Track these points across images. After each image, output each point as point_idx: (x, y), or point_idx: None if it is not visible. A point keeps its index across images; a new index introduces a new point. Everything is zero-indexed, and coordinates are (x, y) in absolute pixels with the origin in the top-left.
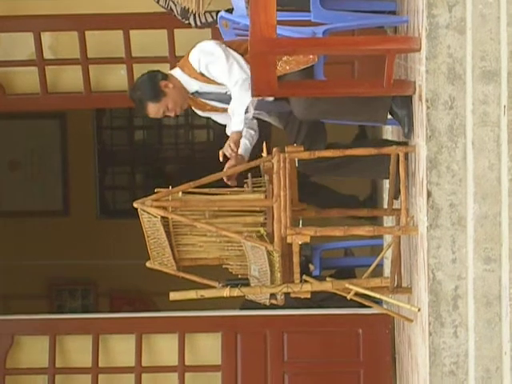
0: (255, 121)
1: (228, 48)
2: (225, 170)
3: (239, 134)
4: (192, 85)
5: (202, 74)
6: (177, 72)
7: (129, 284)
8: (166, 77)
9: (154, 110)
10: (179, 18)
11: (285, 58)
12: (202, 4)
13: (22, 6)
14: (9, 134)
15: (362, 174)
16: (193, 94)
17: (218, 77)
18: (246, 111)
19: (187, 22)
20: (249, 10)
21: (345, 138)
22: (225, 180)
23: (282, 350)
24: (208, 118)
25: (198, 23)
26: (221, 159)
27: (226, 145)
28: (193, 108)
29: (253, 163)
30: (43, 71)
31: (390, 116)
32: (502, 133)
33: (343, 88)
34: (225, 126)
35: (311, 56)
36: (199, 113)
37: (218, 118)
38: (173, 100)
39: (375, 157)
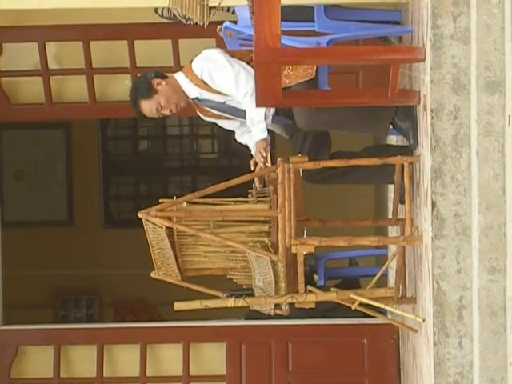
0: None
1: (231, 57)
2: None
3: (265, 142)
4: (192, 91)
5: (204, 82)
6: (179, 76)
7: (133, 294)
8: (162, 76)
9: (146, 107)
10: (184, 21)
11: (285, 72)
12: (206, 15)
13: (27, 16)
14: (14, 143)
15: (368, 181)
16: (193, 100)
17: (223, 86)
18: (265, 117)
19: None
20: (253, 20)
21: (352, 146)
22: (257, 185)
23: (287, 360)
24: (214, 125)
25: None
26: (252, 168)
27: (257, 154)
28: (199, 114)
29: (257, 173)
30: (48, 81)
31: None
32: (507, 143)
33: (348, 98)
34: (228, 135)
35: (310, 70)
36: (204, 118)
37: (222, 123)
38: (165, 97)
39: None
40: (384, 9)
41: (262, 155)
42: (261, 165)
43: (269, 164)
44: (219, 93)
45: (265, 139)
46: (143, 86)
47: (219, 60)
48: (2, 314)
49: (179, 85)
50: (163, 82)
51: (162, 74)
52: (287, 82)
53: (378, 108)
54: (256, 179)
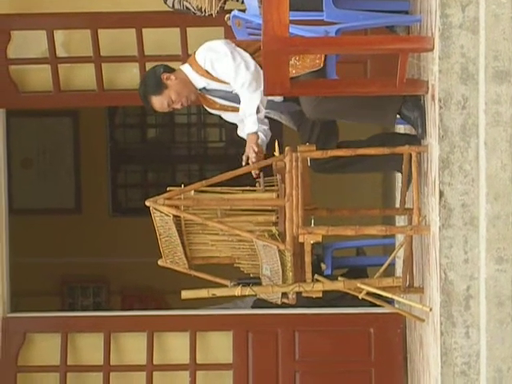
0: (266, 120)
1: (237, 47)
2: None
3: (256, 135)
4: (199, 81)
5: (208, 72)
6: (186, 68)
7: (140, 282)
8: (170, 70)
9: (157, 102)
10: (198, 13)
11: (292, 62)
12: (214, 4)
13: (35, 4)
14: (21, 131)
15: (376, 169)
16: (201, 90)
17: (224, 75)
18: (258, 111)
19: (206, 14)
20: (262, 8)
21: (359, 135)
22: (255, 176)
23: (294, 349)
24: (220, 116)
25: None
26: (244, 163)
27: (248, 148)
28: (205, 106)
29: (265, 162)
30: (56, 69)
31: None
32: None
33: (356, 87)
34: (235, 124)
35: (317, 60)
36: (210, 110)
37: (227, 116)
38: (175, 91)
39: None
40: None
41: (253, 150)
42: (253, 160)
43: (276, 153)
44: (224, 82)
45: (255, 133)
46: (153, 82)
47: (221, 50)
48: (10, 302)
49: (187, 77)
50: (172, 77)
51: (169, 67)
52: (294, 72)
53: (385, 98)
54: (253, 172)
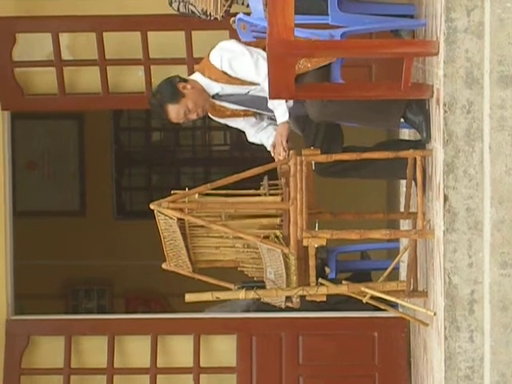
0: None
1: (247, 46)
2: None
3: (286, 125)
4: (213, 87)
5: (225, 73)
6: (197, 76)
7: (144, 285)
8: (185, 80)
9: (174, 111)
10: (204, 17)
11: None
12: (219, 7)
13: (40, 7)
14: (26, 134)
15: (380, 176)
16: (213, 97)
17: (243, 72)
18: (286, 100)
19: (212, 18)
20: (267, 12)
21: (365, 141)
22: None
23: (297, 353)
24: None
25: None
26: (273, 154)
27: (280, 137)
28: (211, 116)
29: (269, 166)
30: (61, 72)
31: (402, 120)
32: None
33: (360, 91)
34: (243, 132)
35: None
36: (218, 120)
37: (236, 123)
38: (192, 100)
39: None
40: (398, 2)
41: (286, 139)
42: (283, 153)
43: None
44: (241, 82)
45: (286, 122)
46: (169, 91)
47: (236, 49)
48: (14, 304)
49: (201, 85)
50: (188, 86)
51: (183, 77)
52: (309, 65)
53: (390, 101)
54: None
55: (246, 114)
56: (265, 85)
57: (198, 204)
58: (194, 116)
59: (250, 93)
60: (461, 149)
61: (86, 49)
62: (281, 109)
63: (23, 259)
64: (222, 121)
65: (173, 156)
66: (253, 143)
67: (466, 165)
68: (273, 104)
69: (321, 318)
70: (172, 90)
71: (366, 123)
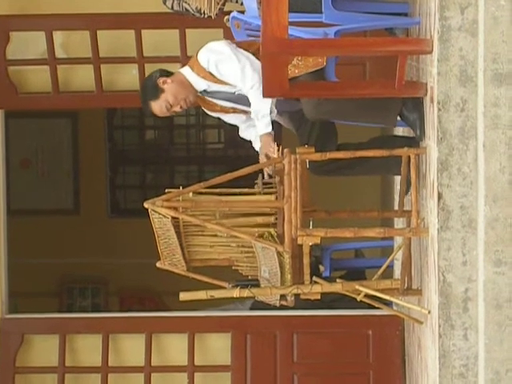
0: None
1: (238, 48)
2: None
3: (270, 135)
4: (200, 84)
5: (211, 74)
6: (186, 70)
7: (139, 283)
8: (167, 74)
9: (156, 107)
10: (197, 15)
11: (294, 62)
12: (213, 5)
13: (34, 5)
14: (20, 132)
15: (375, 172)
16: (201, 93)
17: (229, 76)
18: (270, 112)
19: (206, 16)
20: (261, 10)
21: (358, 138)
22: (267, 172)
23: (292, 351)
24: (219, 118)
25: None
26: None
27: (266, 146)
28: (203, 108)
29: (264, 164)
30: (55, 70)
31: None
32: None
33: (355, 89)
34: (234, 126)
35: (320, 59)
36: (209, 113)
37: (227, 118)
38: (172, 94)
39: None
40: (392, 0)
41: (272, 150)
42: (274, 155)
43: (276, 155)
44: (227, 83)
45: (269, 133)
46: (150, 87)
47: (224, 51)
48: (8, 303)
49: (186, 79)
50: (168, 80)
51: (166, 71)
52: (296, 72)
53: (387, 99)
54: (265, 169)
55: (234, 111)
56: (250, 94)
57: (192, 202)
58: (177, 109)
59: (236, 92)
60: (455, 147)
61: (80, 47)
62: (263, 121)
63: (17, 257)
64: (214, 114)
65: (167, 154)
66: (244, 139)
67: (460, 163)
68: (256, 115)
69: (315, 316)
70: (152, 86)
71: (362, 121)
